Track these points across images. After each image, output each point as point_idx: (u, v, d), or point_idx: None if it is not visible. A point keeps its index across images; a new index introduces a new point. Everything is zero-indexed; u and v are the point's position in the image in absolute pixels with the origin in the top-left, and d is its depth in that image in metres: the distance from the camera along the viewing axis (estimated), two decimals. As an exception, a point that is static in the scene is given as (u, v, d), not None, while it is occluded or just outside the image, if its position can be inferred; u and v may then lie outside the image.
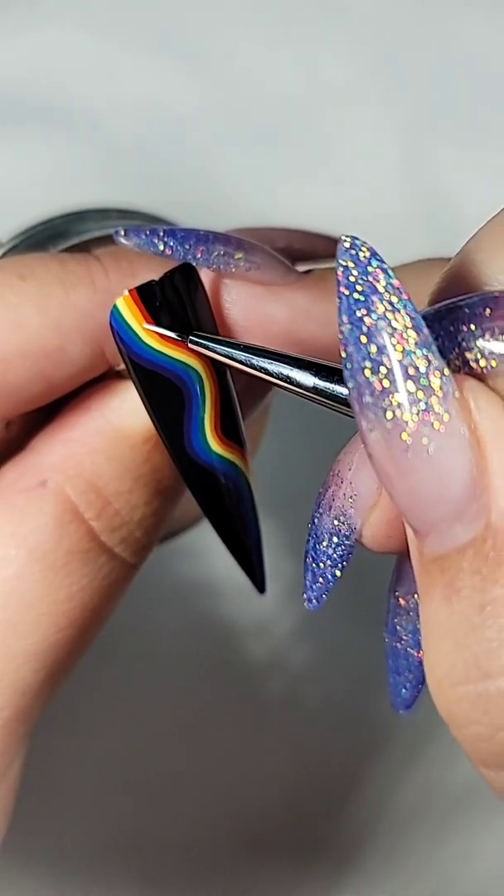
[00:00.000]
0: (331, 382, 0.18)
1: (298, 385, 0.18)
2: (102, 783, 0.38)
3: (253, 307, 0.21)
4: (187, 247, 0.20)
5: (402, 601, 0.20)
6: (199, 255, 0.20)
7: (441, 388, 0.15)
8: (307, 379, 0.18)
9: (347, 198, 0.47)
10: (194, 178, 0.46)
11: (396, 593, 0.20)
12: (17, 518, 0.21)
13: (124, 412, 0.22)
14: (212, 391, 0.20)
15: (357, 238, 0.16)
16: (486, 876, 0.39)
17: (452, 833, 0.39)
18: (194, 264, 0.20)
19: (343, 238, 0.16)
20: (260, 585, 0.22)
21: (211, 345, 0.19)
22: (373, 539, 0.19)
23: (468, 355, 0.16)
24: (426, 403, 0.15)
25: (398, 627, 0.20)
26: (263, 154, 0.47)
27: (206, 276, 0.21)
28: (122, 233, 0.20)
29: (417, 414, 0.15)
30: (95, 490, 0.21)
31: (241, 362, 0.19)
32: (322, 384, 0.18)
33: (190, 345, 0.19)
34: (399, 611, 0.20)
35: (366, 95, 0.49)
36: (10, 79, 0.47)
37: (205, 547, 0.37)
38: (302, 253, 0.24)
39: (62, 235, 0.26)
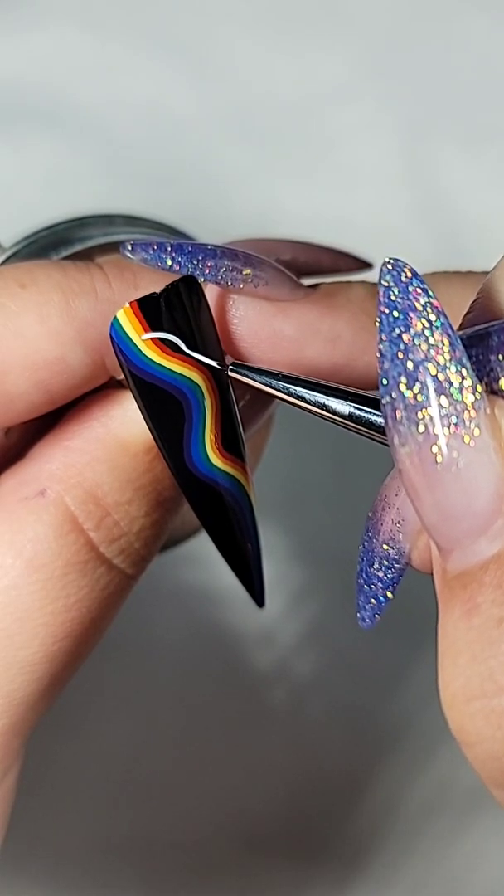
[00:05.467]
0: (365, 412, 0.19)
1: (334, 413, 0.19)
2: (104, 785, 0.38)
3: (260, 323, 0.21)
4: (195, 262, 0.20)
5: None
6: (206, 271, 0.20)
7: (473, 404, 0.16)
8: (343, 407, 0.19)
9: (348, 198, 0.47)
10: (194, 179, 0.46)
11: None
12: (15, 527, 0.21)
13: (125, 422, 0.21)
14: (212, 405, 0.20)
15: (399, 260, 0.16)
16: (496, 880, 0.39)
17: (461, 837, 0.40)
18: (201, 280, 0.20)
19: (386, 260, 0.16)
20: (259, 599, 0.22)
21: (251, 374, 0.20)
22: (422, 562, 0.20)
23: (495, 385, 0.17)
24: (458, 418, 0.16)
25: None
26: (264, 154, 0.47)
27: (212, 291, 0.21)
28: (129, 247, 0.20)
29: (449, 428, 0.16)
30: (95, 500, 0.21)
31: (279, 390, 0.19)
32: (357, 412, 0.19)
33: (230, 373, 0.20)
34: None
35: (367, 96, 0.49)
36: (11, 79, 0.47)
37: (209, 555, 0.37)
38: (307, 266, 0.24)
39: (65, 242, 0.26)
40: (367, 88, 0.49)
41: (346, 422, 0.19)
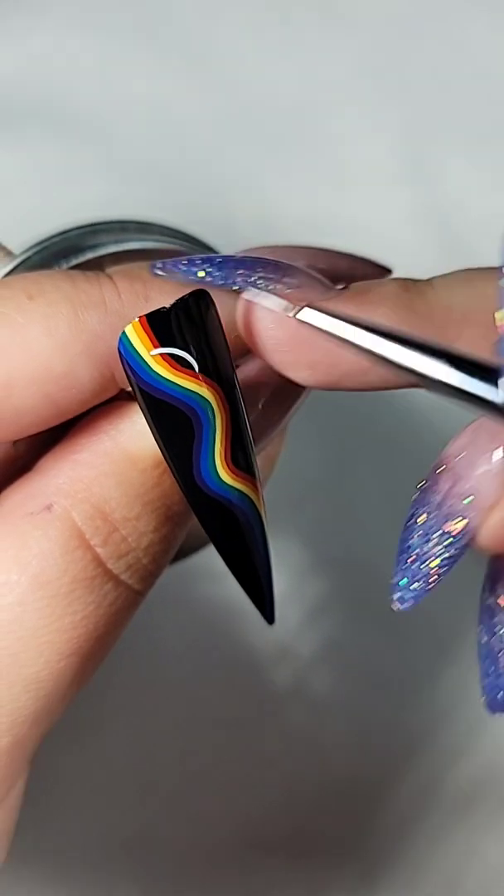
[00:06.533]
0: (469, 375, 0.17)
1: (428, 377, 0.17)
2: (108, 788, 0.38)
3: (299, 326, 0.20)
4: (226, 273, 0.20)
5: (501, 601, 0.20)
6: (239, 280, 0.20)
7: None
8: (441, 370, 0.17)
9: (349, 199, 0.47)
10: (194, 179, 0.46)
11: (497, 593, 0.20)
12: (21, 542, 0.20)
13: (134, 435, 0.21)
14: (223, 421, 0.19)
15: None
16: (490, 876, 0.39)
17: (455, 832, 0.40)
18: (235, 288, 0.20)
19: None
20: (269, 617, 0.21)
21: (326, 317, 0.19)
22: (492, 540, 0.18)
23: None
24: None
25: (498, 629, 0.20)
26: (265, 155, 0.47)
27: (223, 300, 0.20)
28: (160, 268, 0.20)
29: None
30: (102, 515, 0.21)
31: (359, 345, 0.18)
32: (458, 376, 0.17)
33: (300, 317, 0.19)
34: (499, 612, 0.20)
35: (368, 96, 0.49)
36: (11, 80, 0.46)
37: (222, 567, 0.37)
38: (324, 272, 0.23)
39: (77, 249, 0.25)
40: (367, 88, 0.49)
41: (439, 386, 0.17)
